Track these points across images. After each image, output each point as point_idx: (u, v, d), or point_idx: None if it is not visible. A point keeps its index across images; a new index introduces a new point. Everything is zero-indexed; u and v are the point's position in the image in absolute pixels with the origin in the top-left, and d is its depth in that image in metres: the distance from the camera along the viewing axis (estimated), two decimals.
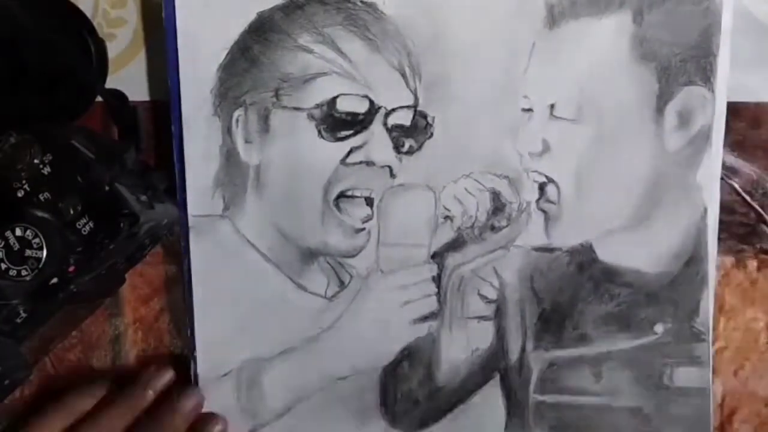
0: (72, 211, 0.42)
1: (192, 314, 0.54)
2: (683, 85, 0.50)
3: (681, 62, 0.50)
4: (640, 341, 0.54)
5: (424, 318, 0.54)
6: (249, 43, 0.51)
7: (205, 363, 0.54)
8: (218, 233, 0.53)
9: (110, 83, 0.52)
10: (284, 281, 0.54)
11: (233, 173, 0.52)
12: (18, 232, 0.40)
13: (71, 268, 0.42)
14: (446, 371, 0.55)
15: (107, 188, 0.42)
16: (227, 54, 0.51)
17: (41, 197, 0.42)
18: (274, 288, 0.54)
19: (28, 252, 0.40)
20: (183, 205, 0.52)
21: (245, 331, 0.54)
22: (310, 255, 0.54)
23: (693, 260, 0.53)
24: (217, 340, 0.54)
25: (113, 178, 0.43)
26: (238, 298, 0.54)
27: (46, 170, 0.42)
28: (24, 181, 0.42)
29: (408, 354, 0.55)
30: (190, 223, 0.53)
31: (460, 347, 0.55)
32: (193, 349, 0.54)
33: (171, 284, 0.55)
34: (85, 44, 0.48)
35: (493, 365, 0.55)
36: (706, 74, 0.50)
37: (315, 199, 0.52)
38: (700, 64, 0.50)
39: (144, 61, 0.52)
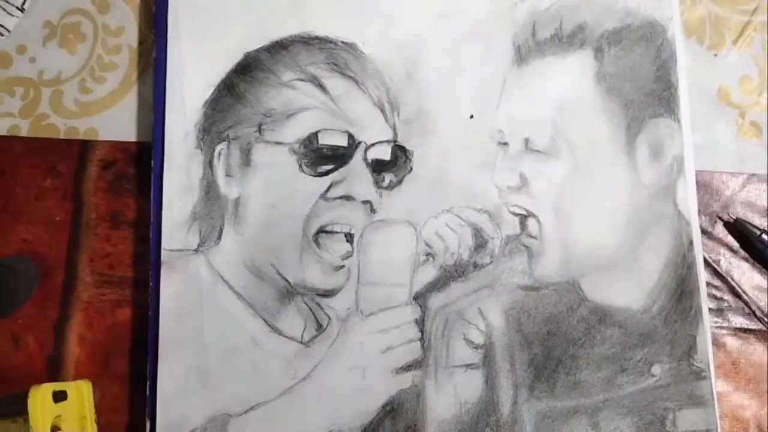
0: None
1: (155, 359, 0.50)
2: (650, 118, 0.52)
3: (645, 95, 0.53)
4: (638, 385, 0.50)
5: (407, 367, 0.51)
6: (235, 81, 0.53)
7: (165, 421, 0.49)
8: (191, 269, 0.51)
9: (96, 123, 0.53)
10: (258, 323, 0.51)
11: (211, 206, 0.51)
12: None
13: None
14: (434, 431, 0.50)
15: None
16: (214, 90, 0.52)
17: None
18: (246, 331, 0.51)
19: None
20: (156, 241, 0.51)
21: (212, 382, 0.50)
22: (286, 294, 0.51)
23: (684, 294, 0.51)
24: (180, 392, 0.49)
25: None
26: (207, 343, 0.50)
27: None
28: None
29: (390, 410, 0.50)
30: (163, 258, 0.51)
31: (447, 401, 0.50)
32: (153, 402, 0.49)
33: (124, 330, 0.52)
34: None
35: (484, 420, 0.50)
36: (670, 106, 0.53)
37: (294, 234, 0.51)
38: (662, 96, 0.53)
39: (135, 103, 0.54)
